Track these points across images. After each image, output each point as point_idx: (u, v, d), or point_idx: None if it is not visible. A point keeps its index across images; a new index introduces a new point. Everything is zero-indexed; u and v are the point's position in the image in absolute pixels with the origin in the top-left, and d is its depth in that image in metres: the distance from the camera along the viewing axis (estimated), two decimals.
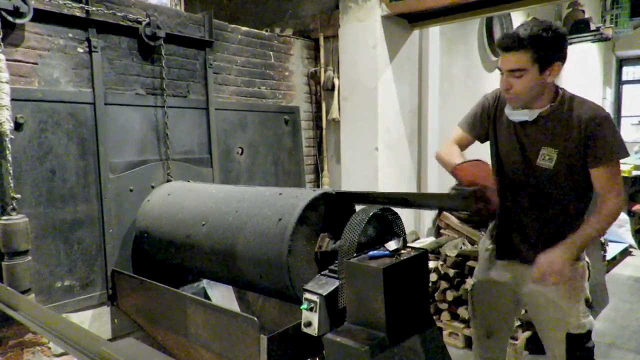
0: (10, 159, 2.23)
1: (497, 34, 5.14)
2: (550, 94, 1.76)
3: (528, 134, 1.80)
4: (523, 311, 2.63)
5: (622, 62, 9.33)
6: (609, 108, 8.96)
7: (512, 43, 1.66)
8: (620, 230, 5.56)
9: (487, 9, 3.42)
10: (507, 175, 1.89)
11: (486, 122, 1.94)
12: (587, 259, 1.98)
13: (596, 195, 1.77)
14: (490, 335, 2.08)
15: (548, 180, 1.77)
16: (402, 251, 1.77)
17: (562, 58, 1.69)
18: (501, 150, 1.90)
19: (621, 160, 1.75)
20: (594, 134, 1.67)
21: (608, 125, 1.68)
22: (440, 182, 4.23)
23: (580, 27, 6.35)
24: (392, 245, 1.76)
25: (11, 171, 2.24)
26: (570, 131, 1.70)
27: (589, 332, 1.89)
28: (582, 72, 7.53)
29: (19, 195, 2.27)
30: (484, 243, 2.09)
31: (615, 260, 5.13)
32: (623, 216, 5.64)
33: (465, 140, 2.00)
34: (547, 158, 1.75)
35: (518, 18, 5.54)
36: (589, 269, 1.98)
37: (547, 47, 1.64)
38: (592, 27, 6.29)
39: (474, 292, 2.12)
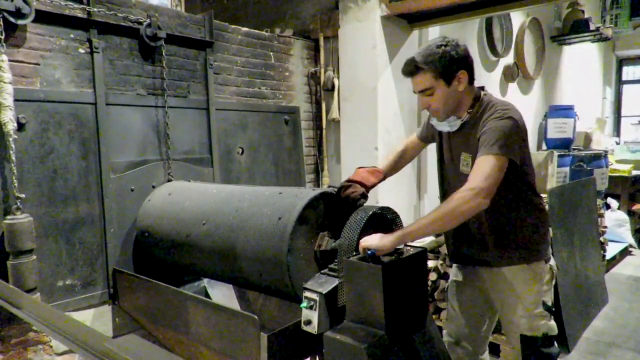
0: (14, 159, 2.24)
1: (497, 34, 5.16)
2: (469, 102, 1.84)
3: (454, 142, 1.91)
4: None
5: (622, 62, 9.33)
6: (609, 108, 8.96)
7: (411, 69, 1.79)
8: (620, 230, 5.57)
9: (486, 9, 3.43)
10: (446, 183, 2.02)
11: (431, 133, 2.10)
12: (553, 263, 1.95)
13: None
14: (458, 342, 2.10)
15: None
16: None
17: (463, 66, 1.78)
18: (441, 161, 2.05)
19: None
20: (486, 125, 1.72)
21: (503, 122, 1.70)
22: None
23: (580, 27, 6.36)
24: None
25: (15, 171, 2.26)
26: (480, 134, 1.74)
27: (547, 337, 1.88)
28: (582, 72, 7.54)
29: (23, 195, 2.29)
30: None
31: (614, 260, 5.14)
32: (623, 216, 5.66)
33: (415, 143, 2.22)
34: (464, 163, 1.85)
35: (517, 18, 5.55)
36: (555, 275, 1.96)
37: (442, 63, 1.75)
38: (592, 27, 6.30)
39: (447, 294, 2.18)
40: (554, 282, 1.96)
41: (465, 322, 2.07)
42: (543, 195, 3.80)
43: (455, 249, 2.06)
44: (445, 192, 2.02)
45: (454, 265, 2.14)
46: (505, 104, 1.80)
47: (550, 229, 2.60)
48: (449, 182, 1.98)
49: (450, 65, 1.76)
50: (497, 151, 1.64)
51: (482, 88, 1.90)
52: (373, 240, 1.64)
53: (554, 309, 1.93)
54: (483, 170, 1.62)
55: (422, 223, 1.65)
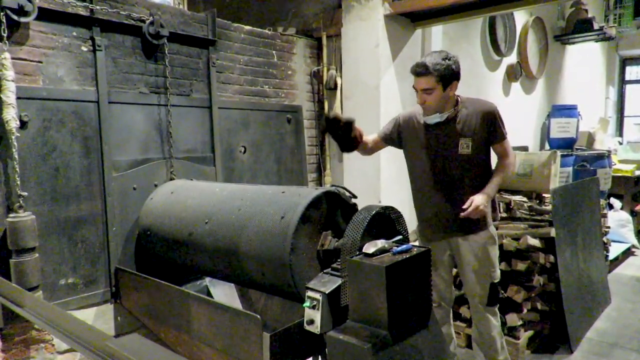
0: (16, 157, 2.24)
1: (500, 33, 5.14)
2: (453, 101, 2.42)
3: (441, 133, 2.43)
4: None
5: (625, 62, 9.29)
6: (612, 108, 8.93)
7: (422, 70, 2.29)
8: (623, 230, 5.55)
9: (490, 8, 3.41)
10: (419, 171, 2.53)
11: (396, 133, 2.61)
12: (493, 231, 2.55)
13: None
14: (440, 305, 2.66)
15: (467, 162, 2.39)
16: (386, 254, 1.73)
17: (457, 78, 2.37)
18: (412, 153, 2.55)
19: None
20: (492, 122, 2.39)
21: (499, 116, 2.41)
22: None
23: (583, 26, 6.34)
24: (369, 248, 1.72)
25: (17, 169, 2.25)
26: (475, 123, 2.37)
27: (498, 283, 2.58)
28: (585, 71, 7.52)
29: (25, 193, 2.29)
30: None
31: (617, 260, 5.13)
32: (625, 216, 5.64)
33: (376, 141, 2.68)
34: (464, 146, 2.38)
35: (521, 17, 5.53)
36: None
37: (445, 72, 2.28)
38: (596, 26, 6.28)
39: None
40: None
41: (443, 288, 2.66)
42: (546, 195, 3.81)
43: (430, 227, 2.57)
44: (418, 179, 2.55)
45: (424, 243, 2.64)
46: (480, 99, 2.53)
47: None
48: (440, 165, 2.44)
49: (450, 76, 2.31)
50: (505, 134, 2.46)
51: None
52: (482, 199, 2.30)
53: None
54: (509, 148, 2.46)
55: (497, 181, 2.41)
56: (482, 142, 2.41)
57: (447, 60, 2.29)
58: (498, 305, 2.59)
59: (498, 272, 2.55)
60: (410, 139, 2.55)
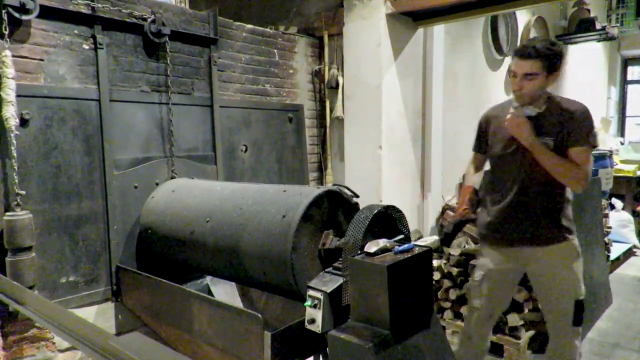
0: (15, 155, 2.23)
1: (502, 32, 5.13)
2: (545, 96, 2.20)
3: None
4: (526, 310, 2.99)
5: (627, 62, 9.28)
6: (613, 108, 8.92)
7: (530, 52, 2.07)
8: (624, 231, 5.54)
9: (492, 8, 3.40)
10: (497, 166, 2.34)
11: (484, 137, 2.42)
12: (576, 243, 2.27)
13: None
14: (492, 316, 2.46)
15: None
16: (386, 253, 1.72)
17: (561, 69, 2.17)
18: (494, 146, 2.33)
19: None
20: (577, 122, 2.11)
21: (588, 119, 2.14)
22: (443, 180, 4.23)
23: (585, 26, 6.32)
24: (371, 248, 1.72)
25: (16, 167, 2.25)
26: (560, 122, 2.13)
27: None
28: (586, 71, 7.50)
29: (23, 192, 2.28)
30: (482, 240, 2.48)
31: (619, 261, 5.11)
32: (627, 216, 5.63)
33: (479, 158, 2.53)
34: (546, 145, 2.14)
35: (523, 17, 5.52)
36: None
37: (553, 59, 2.09)
38: (598, 26, 6.26)
39: (484, 280, 2.39)
40: None
41: (496, 304, 2.43)
42: None
43: (501, 230, 2.30)
44: (513, 173, 2.25)
45: (487, 250, 2.40)
46: (570, 99, 2.23)
47: None
48: (519, 161, 2.20)
49: (558, 64, 2.11)
50: (591, 141, 2.14)
51: None
52: (526, 132, 2.10)
53: None
54: (588, 157, 2.14)
55: (555, 159, 2.09)
56: (563, 144, 2.14)
57: (555, 47, 2.10)
58: (581, 325, 2.28)
59: (583, 288, 2.25)
60: (495, 132, 2.33)
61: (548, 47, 2.07)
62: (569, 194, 2.25)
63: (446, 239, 2.96)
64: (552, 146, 2.11)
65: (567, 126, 2.10)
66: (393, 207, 1.93)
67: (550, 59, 2.08)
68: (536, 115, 2.15)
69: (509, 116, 2.13)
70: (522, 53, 2.11)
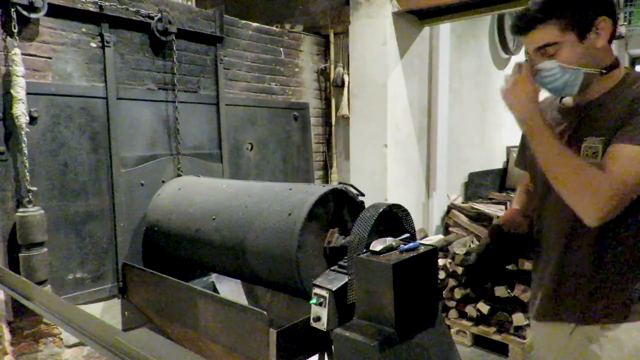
0: (26, 152, 2.26)
1: (508, 31, 5.10)
2: (606, 77, 1.29)
3: (571, 125, 1.37)
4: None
5: (634, 61, 9.21)
6: None
7: (527, 22, 1.29)
8: None
9: (498, 6, 3.40)
10: (537, 194, 1.50)
11: (524, 149, 1.62)
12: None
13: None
14: None
15: None
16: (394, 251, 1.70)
17: (605, 10, 1.23)
18: (535, 170, 1.47)
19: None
20: (633, 114, 1.20)
21: None
22: (448, 179, 4.22)
23: None
24: (376, 246, 1.71)
25: (27, 164, 2.27)
26: (618, 115, 1.24)
27: None
28: None
29: (35, 188, 2.30)
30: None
31: None
32: None
33: (526, 177, 1.69)
34: (590, 152, 1.29)
35: None
36: None
37: (574, 7, 1.24)
38: None
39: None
40: None
41: None
42: None
43: (541, 300, 1.47)
44: (550, 204, 1.42)
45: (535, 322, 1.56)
46: None
47: None
48: (542, 189, 1.43)
49: (586, 9, 1.23)
50: None
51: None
52: (523, 98, 1.28)
53: None
54: (624, 163, 1.15)
55: (557, 147, 1.23)
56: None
57: None
58: None
59: None
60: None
61: None
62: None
63: (472, 274, 1.91)
64: (600, 152, 1.26)
65: (629, 120, 1.21)
66: (398, 206, 1.93)
67: (567, 11, 1.24)
68: (586, 104, 1.33)
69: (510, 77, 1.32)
70: (515, 29, 1.34)
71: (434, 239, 3.72)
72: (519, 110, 1.28)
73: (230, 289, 2.94)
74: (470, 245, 3.39)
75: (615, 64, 1.30)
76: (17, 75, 2.20)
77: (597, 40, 1.25)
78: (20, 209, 2.26)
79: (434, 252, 1.79)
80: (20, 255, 2.25)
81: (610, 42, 1.29)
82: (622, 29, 6.22)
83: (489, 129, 5.07)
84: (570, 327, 1.38)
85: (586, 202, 1.18)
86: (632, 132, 1.17)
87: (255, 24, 3.49)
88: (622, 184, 1.15)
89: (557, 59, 1.27)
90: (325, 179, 4.09)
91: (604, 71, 1.27)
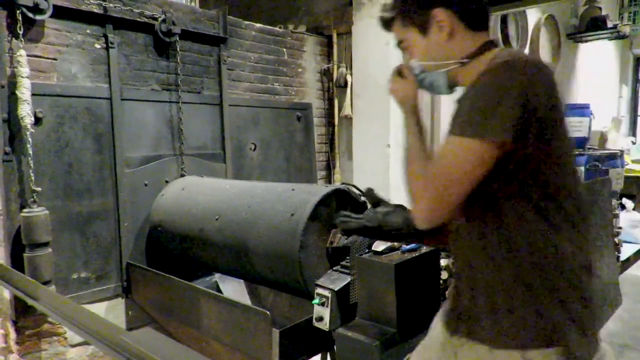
0: (31, 152, 2.27)
1: (512, 31, 5.09)
2: (471, 69, 1.11)
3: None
4: None
5: (639, 60, 9.16)
6: (625, 107, 8.81)
7: (384, 22, 1.24)
8: (635, 231, 5.49)
9: (501, 6, 3.39)
10: None
11: None
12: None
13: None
14: None
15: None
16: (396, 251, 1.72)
17: (440, 1, 1.12)
18: None
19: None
20: (471, 97, 1.01)
21: (481, 89, 0.99)
22: None
23: (597, 24, 6.25)
24: (378, 246, 1.73)
25: (32, 165, 2.29)
26: (464, 102, 1.06)
27: None
28: (598, 70, 7.42)
29: (39, 188, 2.32)
30: None
31: (629, 261, 5.06)
32: (638, 217, 5.56)
33: None
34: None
35: (533, 15, 5.48)
36: None
37: (406, 2, 1.17)
38: (609, 24, 6.19)
39: None
40: None
41: None
42: None
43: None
44: None
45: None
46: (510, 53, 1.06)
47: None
48: None
49: (418, 2, 1.15)
50: (469, 130, 0.97)
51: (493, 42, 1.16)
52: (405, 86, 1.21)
53: None
54: (446, 158, 1.02)
55: (413, 144, 1.16)
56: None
57: None
58: None
59: None
60: None
61: None
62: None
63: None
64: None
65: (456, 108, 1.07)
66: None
67: (402, 7, 1.18)
68: (457, 99, 1.10)
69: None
70: (382, 22, 1.24)
71: None
72: (402, 93, 1.22)
73: (234, 289, 2.95)
74: None
75: (479, 51, 1.13)
76: (22, 77, 2.21)
77: (440, 34, 1.13)
78: (25, 209, 2.28)
79: (436, 252, 1.79)
80: (24, 255, 2.27)
81: (474, 29, 1.14)
82: (626, 29, 6.20)
83: None
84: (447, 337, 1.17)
85: (411, 202, 1.11)
86: (455, 120, 1.03)
87: (258, 25, 3.50)
88: (441, 181, 1.01)
89: (412, 56, 1.20)
90: (328, 179, 4.10)
91: (465, 61, 1.13)
